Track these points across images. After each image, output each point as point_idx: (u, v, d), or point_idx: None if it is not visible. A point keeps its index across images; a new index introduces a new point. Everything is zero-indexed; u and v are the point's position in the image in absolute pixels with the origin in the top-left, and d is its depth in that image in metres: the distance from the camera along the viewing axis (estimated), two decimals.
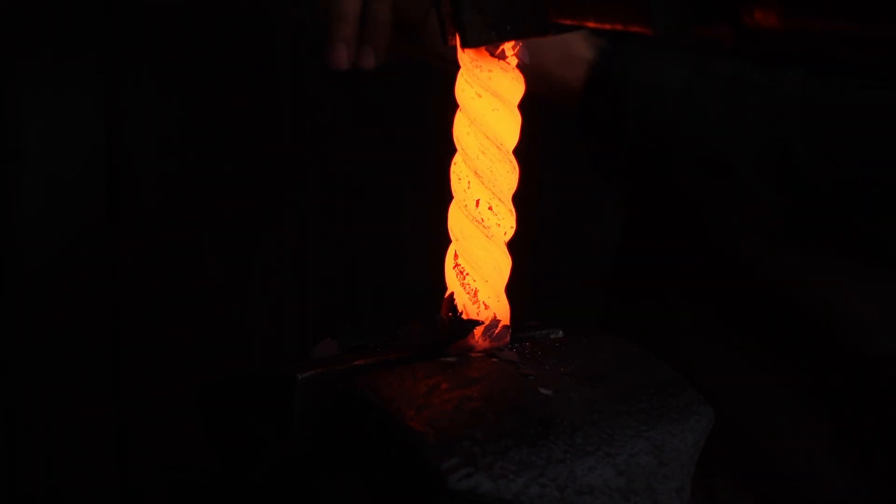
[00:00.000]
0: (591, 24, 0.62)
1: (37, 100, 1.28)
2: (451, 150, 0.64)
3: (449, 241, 0.64)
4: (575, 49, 0.95)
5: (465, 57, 0.62)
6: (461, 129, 0.63)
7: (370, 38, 0.92)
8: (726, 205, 0.96)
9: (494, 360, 0.60)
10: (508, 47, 0.63)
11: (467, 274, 0.63)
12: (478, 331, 0.62)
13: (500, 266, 0.62)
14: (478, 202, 0.62)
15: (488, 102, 0.62)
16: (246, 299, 1.43)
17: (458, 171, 0.63)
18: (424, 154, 1.22)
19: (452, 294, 0.63)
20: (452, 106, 0.63)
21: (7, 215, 1.28)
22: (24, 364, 1.32)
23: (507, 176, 0.62)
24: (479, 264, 0.62)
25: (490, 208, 0.62)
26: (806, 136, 0.91)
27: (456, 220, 0.63)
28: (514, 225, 0.63)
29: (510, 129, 0.62)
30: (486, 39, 0.62)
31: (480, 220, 0.62)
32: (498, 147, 0.62)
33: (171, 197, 1.38)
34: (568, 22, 0.63)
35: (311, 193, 1.45)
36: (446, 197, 0.64)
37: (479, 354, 0.61)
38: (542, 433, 0.54)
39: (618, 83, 0.94)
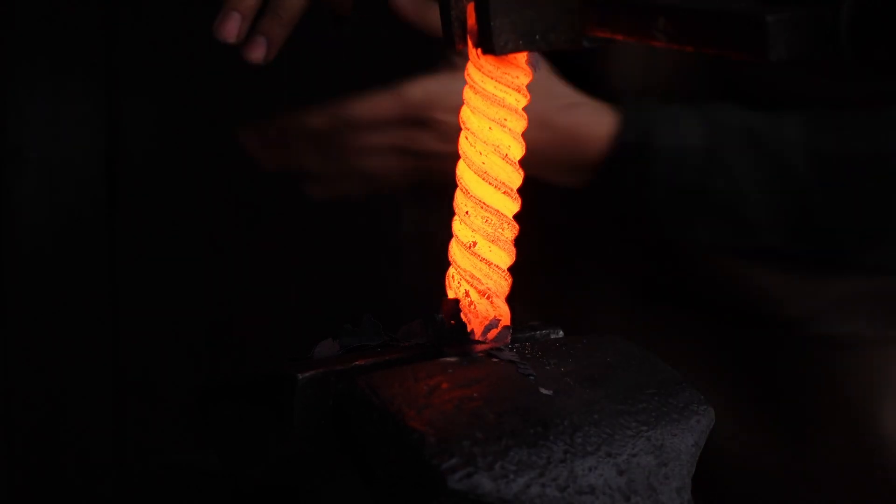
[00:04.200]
0: (637, 40, 0.58)
1: (37, 100, 1.28)
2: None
3: (448, 241, 0.64)
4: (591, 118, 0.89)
5: (474, 70, 0.62)
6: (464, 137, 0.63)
7: (267, 29, 0.80)
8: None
9: (495, 360, 0.60)
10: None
11: (454, 276, 0.63)
12: (478, 331, 0.62)
13: (481, 268, 0.63)
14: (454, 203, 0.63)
15: (496, 113, 0.62)
16: (246, 299, 1.43)
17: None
18: None
19: (454, 300, 0.63)
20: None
21: (7, 214, 1.28)
22: (24, 363, 1.32)
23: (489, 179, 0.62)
24: (459, 265, 0.63)
25: (466, 213, 0.63)
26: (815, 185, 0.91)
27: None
28: (494, 231, 0.62)
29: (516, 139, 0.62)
30: (514, 47, 0.59)
31: (451, 222, 0.63)
32: (502, 157, 0.62)
33: (170, 196, 1.38)
34: (607, 35, 0.59)
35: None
36: (447, 197, 0.64)
37: (480, 355, 0.61)
38: (542, 433, 0.54)
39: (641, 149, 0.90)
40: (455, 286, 0.63)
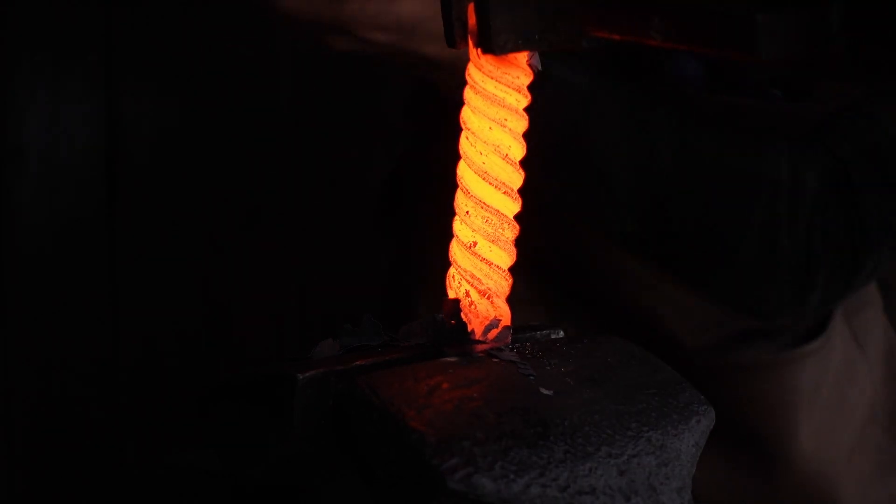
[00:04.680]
0: (634, 39, 0.59)
1: (37, 100, 1.28)
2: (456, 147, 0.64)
3: (448, 242, 0.64)
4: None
5: (475, 70, 0.62)
6: (466, 135, 0.63)
7: None
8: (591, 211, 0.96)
9: (495, 360, 0.60)
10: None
11: (455, 276, 0.63)
12: (478, 331, 0.62)
13: (482, 268, 0.63)
14: (454, 203, 0.63)
15: (496, 113, 0.62)
16: (246, 299, 1.43)
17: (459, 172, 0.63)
18: (427, 153, 1.22)
19: (454, 300, 0.63)
20: (455, 105, 0.63)
21: (7, 214, 1.28)
22: (24, 363, 1.32)
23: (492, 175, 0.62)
24: (459, 265, 0.63)
25: (467, 213, 0.62)
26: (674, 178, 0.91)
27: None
28: (494, 231, 0.62)
29: (517, 137, 0.62)
30: (514, 47, 0.60)
31: (451, 222, 0.63)
32: (502, 157, 0.62)
33: (170, 196, 1.38)
34: (605, 35, 0.60)
35: (312, 192, 1.45)
36: (448, 197, 0.64)
37: (480, 355, 0.61)
38: (542, 433, 0.54)
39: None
40: (455, 286, 0.63)
